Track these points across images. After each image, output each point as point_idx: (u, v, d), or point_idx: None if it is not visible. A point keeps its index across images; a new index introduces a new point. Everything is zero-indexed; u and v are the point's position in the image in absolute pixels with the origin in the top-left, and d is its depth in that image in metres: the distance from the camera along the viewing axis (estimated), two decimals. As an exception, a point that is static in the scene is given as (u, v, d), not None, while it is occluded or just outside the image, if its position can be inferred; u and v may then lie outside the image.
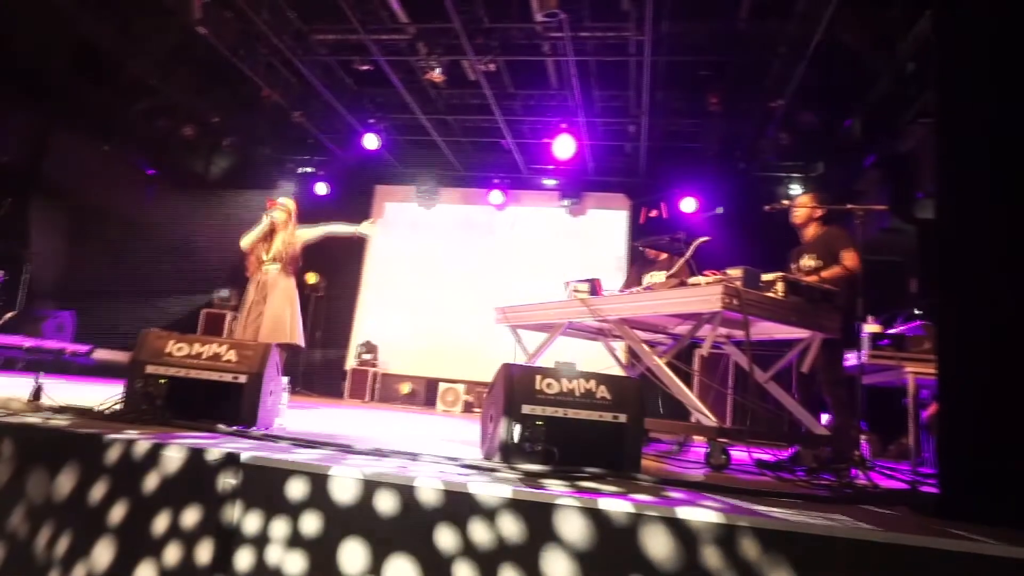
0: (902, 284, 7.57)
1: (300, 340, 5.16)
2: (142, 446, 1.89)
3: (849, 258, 4.05)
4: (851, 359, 4.51)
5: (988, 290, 1.99)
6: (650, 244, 4.87)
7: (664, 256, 5.00)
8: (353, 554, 1.69)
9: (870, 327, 4.59)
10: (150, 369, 2.70)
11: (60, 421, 2.17)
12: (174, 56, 7.98)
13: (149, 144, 9.60)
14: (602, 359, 4.92)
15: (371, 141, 9.33)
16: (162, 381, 2.69)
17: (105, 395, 2.84)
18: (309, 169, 11.10)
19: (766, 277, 3.54)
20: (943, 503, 1.96)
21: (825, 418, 4.24)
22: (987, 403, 1.93)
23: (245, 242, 5.20)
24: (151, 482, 1.85)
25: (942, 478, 2.05)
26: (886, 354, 4.48)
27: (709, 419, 3.35)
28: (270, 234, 5.23)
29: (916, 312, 5.10)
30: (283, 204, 5.36)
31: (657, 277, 3.83)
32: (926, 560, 1.46)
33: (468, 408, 9.27)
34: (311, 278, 7.57)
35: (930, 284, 6.53)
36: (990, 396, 1.92)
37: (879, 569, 1.47)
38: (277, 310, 5.02)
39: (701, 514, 1.56)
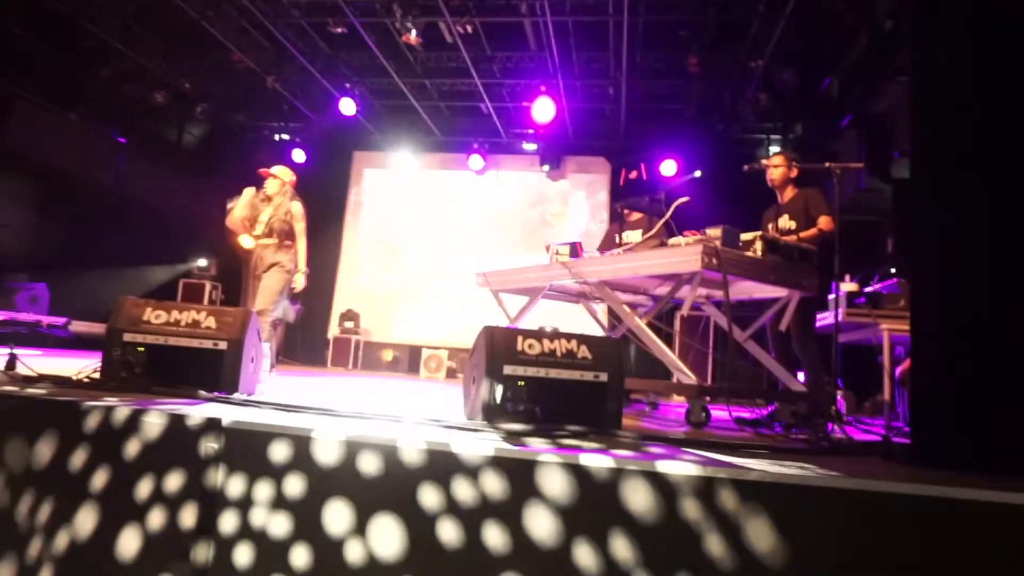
0: (879, 243, 7.67)
1: (290, 316, 4.84)
2: (122, 413, 1.87)
3: (825, 223, 4.07)
4: (828, 317, 4.58)
5: (961, 242, 2.02)
6: (629, 205, 4.86)
7: (639, 216, 4.84)
8: (338, 514, 1.70)
9: (847, 286, 4.66)
10: (128, 337, 2.67)
11: (37, 390, 2.14)
12: (139, 18, 7.73)
13: (118, 111, 9.34)
14: (583, 322, 4.96)
15: (348, 106, 9.15)
16: (140, 349, 2.66)
17: (83, 366, 2.81)
18: (285, 136, 10.91)
19: (745, 237, 3.57)
20: (913, 451, 2.02)
21: (802, 375, 4.32)
22: (955, 351, 1.97)
23: (229, 220, 4.86)
24: (132, 448, 1.84)
25: (913, 427, 2.11)
26: (862, 312, 4.55)
27: (690, 378, 3.40)
28: (257, 206, 4.85)
29: (892, 271, 5.17)
30: (277, 172, 4.96)
31: (633, 236, 3.84)
32: (896, 505, 1.50)
33: (451, 374, 9.32)
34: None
35: (906, 239, 6.62)
36: (958, 344, 1.97)
37: (852, 515, 1.51)
38: (269, 287, 4.75)
39: (680, 467, 1.59)
